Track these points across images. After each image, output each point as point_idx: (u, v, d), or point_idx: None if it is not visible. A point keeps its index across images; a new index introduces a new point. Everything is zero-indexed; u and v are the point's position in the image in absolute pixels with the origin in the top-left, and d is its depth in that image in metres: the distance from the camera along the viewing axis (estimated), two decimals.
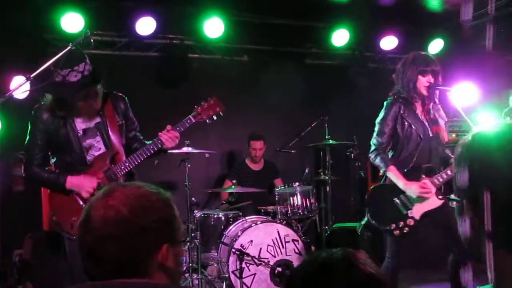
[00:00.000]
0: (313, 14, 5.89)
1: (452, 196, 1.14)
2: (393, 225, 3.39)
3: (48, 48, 4.99)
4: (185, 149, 4.56)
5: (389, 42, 6.39)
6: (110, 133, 3.19)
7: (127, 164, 3.18)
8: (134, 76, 5.75)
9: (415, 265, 4.99)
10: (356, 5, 5.64)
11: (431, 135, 3.56)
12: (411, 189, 3.41)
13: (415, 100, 3.60)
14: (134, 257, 1.23)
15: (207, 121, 3.37)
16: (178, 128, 3.25)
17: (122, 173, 3.18)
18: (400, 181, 3.44)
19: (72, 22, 4.98)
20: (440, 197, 3.41)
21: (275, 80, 6.43)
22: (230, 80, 6.36)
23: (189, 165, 4.68)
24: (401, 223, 3.40)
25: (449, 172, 3.40)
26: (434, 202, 3.44)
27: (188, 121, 3.28)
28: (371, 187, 3.61)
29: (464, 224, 1.02)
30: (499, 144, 1.01)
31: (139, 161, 3.21)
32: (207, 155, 5.15)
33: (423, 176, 3.45)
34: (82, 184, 3.07)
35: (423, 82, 3.52)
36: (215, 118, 3.37)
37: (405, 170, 3.48)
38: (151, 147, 3.23)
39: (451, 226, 3.33)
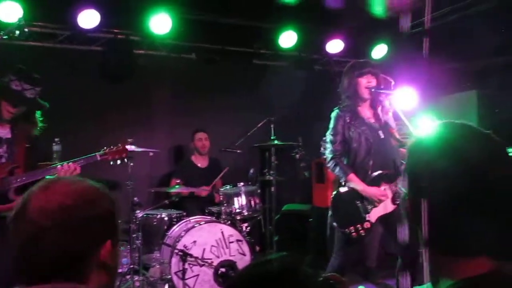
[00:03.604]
0: (262, 15, 5.90)
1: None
2: (352, 228, 3.50)
3: None
4: (127, 147, 4.40)
5: (335, 46, 6.52)
6: (16, 148, 3.33)
7: (24, 178, 3.24)
8: (76, 71, 5.54)
9: (362, 263, 5.13)
10: (304, 7, 5.70)
11: (382, 136, 3.65)
12: (370, 194, 3.52)
13: (359, 105, 3.68)
14: (74, 252, 1.15)
15: (111, 162, 3.51)
16: (80, 162, 3.30)
17: (17, 185, 3.22)
18: (360, 187, 3.54)
19: (8, 11, 4.71)
20: (395, 202, 3.54)
21: (222, 79, 6.41)
22: (177, 78, 6.28)
23: (131, 164, 4.56)
24: (359, 226, 3.50)
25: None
26: (389, 206, 3.56)
27: (93, 157, 3.38)
28: (335, 191, 3.67)
29: (412, 213, 1.04)
30: (435, 150, 1.04)
31: (34, 179, 3.20)
32: (151, 154, 5.04)
33: (383, 183, 3.56)
34: None
35: (363, 83, 3.62)
36: (118, 162, 3.53)
37: (366, 180, 3.58)
38: (45, 172, 3.26)
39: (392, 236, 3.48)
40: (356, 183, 3.55)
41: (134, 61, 5.94)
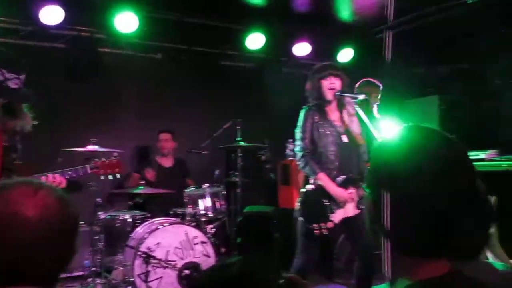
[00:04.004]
0: (229, 16, 5.89)
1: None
2: (315, 225, 3.52)
3: None
4: (90, 148, 4.30)
5: (302, 48, 6.57)
6: None
7: None
8: (39, 68, 5.37)
9: (324, 265, 5.17)
10: (272, 10, 5.73)
11: (346, 141, 3.70)
12: (338, 194, 3.55)
13: (326, 107, 3.72)
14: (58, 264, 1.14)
15: (101, 177, 3.25)
16: (69, 174, 3.01)
17: None
18: (329, 187, 3.56)
19: None
20: (359, 207, 3.58)
21: (189, 80, 6.36)
22: (143, 78, 6.20)
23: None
24: (322, 224, 3.53)
25: None
26: (352, 210, 3.59)
27: (84, 170, 3.11)
28: (304, 189, 3.68)
29: (374, 213, 1.05)
30: (397, 152, 1.05)
31: None
32: (115, 154, 4.94)
33: (350, 186, 3.60)
34: None
35: (326, 85, 3.67)
36: (110, 177, 3.26)
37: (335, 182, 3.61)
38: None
39: (361, 237, 3.51)
40: (325, 183, 3.58)
41: (98, 59, 5.83)
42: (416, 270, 1.02)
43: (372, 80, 4.45)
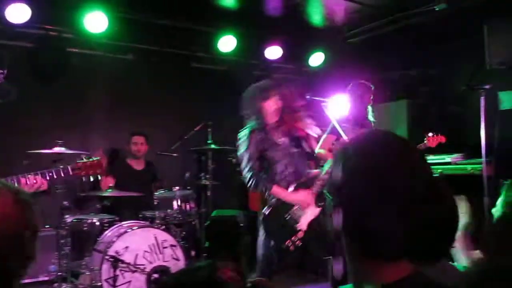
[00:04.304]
0: (201, 18, 5.87)
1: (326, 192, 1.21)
2: (289, 242, 3.50)
3: None
4: (57, 149, 4.19)
5: (273, 52, 6.59)
6: None
7: None
8: (5, 67, 5.24)
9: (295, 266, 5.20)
10: (244, 13, 5.74)
11: (294, 150, 3.71)
12: (299, 199, 3.55)
13: (268, 125, 3.71)
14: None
15: (83, 178, 3.15)
16: (49, 175, 2.96)
17: None
18: (287, 196, 3.56)
19: None
20: (318, 204, 3.59)
21: (160, 82, 6.31)
22: (112, 79, 6.12)
23: (61, 167, 4.36)
24: (294, 237, 3.52)
25: (321, 181, 3.58)
26: (314, 211, 3.60)
27: (65, 171, 3.02)
28: (263, 210, 3.65)
29: (337, 216, 1.06)
30: (352, 156, 1.07)
31: None
32: (83, 157, 4.85)
33: (302, 189, 3.61)
34: None
35: (270, 106, 3.66)
36: (91, 179, 3.17)
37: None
38: None
39: (325, 235, 3.54)
40: (281, 194, 3.57)
41: (67, 59, 5.72)
42: (379, 273, 1.03)
43: (363, 82, 4.46)
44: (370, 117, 4.39)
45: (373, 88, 4.41)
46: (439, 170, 5.06)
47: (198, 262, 1.12)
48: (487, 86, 4.33)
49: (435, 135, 4.61)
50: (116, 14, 5.48)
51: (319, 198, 3.59)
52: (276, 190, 3.57)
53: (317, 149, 3.96)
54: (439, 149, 4.75)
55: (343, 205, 1.03)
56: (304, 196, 3.56)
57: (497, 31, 4.99)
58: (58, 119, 5.67)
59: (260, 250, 3.67)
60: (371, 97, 4.41)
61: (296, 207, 3.59)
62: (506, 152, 4.63)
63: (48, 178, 2.87)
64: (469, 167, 4.87)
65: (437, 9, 5.22)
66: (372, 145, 1.08)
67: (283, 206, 3.58)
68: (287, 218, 3.56)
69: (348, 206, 1.03)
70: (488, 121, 4.32)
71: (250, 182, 3.61)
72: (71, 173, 3.03)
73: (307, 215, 3.59)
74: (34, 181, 2.79)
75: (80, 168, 3.10)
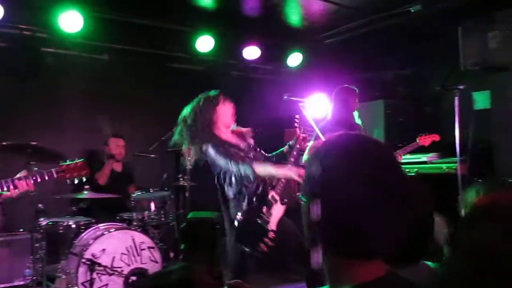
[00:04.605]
0: (178, 17, 5.83)
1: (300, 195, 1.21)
2: (262, 244, 3.49)
3: None
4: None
5: (252, 52, 6.58)
6: None
7: None
8: None
9: (272, 267, 5.19)
10: (222, 13, 5.72)
11: (251, 156, 3.71)
12: (287, 173, 3.42)
13: (224, 132, 3.70)
14: None
15: (68, 181, 3.20)
16: (33, 178, 3.00)
17: None
18: (274, 170, 3.46)
19: None
20: (283, 201, 3.60)
21: (136, 82, 6.25)
22: (88, 79, 6.03)
23: (36, 168, 4.28)
24: (266, 240, 3.51)
25: (283, 180, 3.59)
26: (280, 209, 3.60)
27: (49, 174, 3.06)
28: (236, 218, 3.61)
29: (315, 207, 1.05)
30: (329, 156, 1.07)
31: None
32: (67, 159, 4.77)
33: (270, 190, 3.59)
34: None
35: (225, 111, 3.72)
36: (76, 181, 3.21)
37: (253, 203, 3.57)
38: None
39: (295, 234, 3.55)
40: (270, 168, 3.47)
41: (41, 59, 5.62)
42: (354, 272, 1.03)
43: (348, 86, 4.46)
44: (357, 120, 4.40)
45: (357, 91, 4.43)
46: (415, 169, 5.14)
47: (171, 265, 1.10)
48: (461, 87, 4.40)
49: (427, 134, 4.64)
50: (92, 13, 5.41)
51: (284, 195, 3.60)
52: (264, 166, 3.49)
53: (305, 157, 3.97)
54: (416, 148, 4.80)
55: (321, 198, 1.03)
56: (289, 170, 3.46)
57: (471, 33, 5.08)
58: (32, 120, 5.57)
59: (231, 254, 3.65)
60: (356, 100, 4.42)
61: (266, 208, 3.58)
62: (480, 152, 4.73)
63: (32, 181, 2.95)
64: (444, 166, 4.95)
65: (412, 10, 5.29)
66: (349, 143, 1.10)
67: (255, 209, 3.56)
68: (258, 222, 3.56)
69: (325, 201, 1.03)
70: (462, 121, 4.39)
71: (242, 170, 3.47)
72: (55, 176, 3.06)
73: (274, 216, 3.58)
74: (26, 185, 2.91)
75: (64, 170, 3.13)
